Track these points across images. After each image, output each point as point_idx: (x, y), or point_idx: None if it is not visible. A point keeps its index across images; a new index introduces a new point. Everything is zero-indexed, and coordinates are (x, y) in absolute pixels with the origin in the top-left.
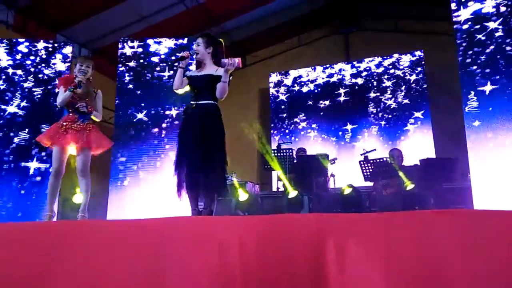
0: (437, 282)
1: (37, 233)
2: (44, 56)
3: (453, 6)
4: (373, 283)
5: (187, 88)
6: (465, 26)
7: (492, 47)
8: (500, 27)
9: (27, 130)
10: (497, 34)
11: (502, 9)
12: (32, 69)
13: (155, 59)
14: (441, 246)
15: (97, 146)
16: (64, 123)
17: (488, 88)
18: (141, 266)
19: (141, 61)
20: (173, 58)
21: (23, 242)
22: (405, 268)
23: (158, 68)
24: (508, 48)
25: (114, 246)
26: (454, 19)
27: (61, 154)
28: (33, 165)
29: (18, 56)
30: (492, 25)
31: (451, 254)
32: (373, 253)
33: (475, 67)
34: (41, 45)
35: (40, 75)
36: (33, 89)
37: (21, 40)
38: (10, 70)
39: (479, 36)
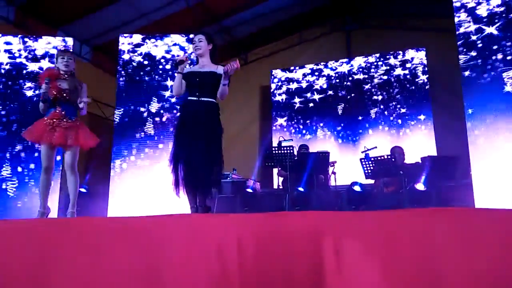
0: (435, 280)
1: (28, 230)
2: (44, 52)
3: (456, 5)
4: (371, 282)
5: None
6: (467, 25)
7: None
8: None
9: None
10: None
11: (497, 10)
12: (32, 65)
13: (155, 55)
14: (439, 245)
15: (85, 144)
16: (50, 121)
17: (489, 86)
18: (137, 266)
19: (141, 57)
20: (174, 56)
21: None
22: (403, 266)
23: (158, 64)
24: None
25: (108, 244)
26: (456, 19)
27: (50, 152)
28: None
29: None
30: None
31: (450, 252)
32: (371, 251)
33: (476, 66)
34: (42, 41)
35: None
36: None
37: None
38: (7, 67)
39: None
